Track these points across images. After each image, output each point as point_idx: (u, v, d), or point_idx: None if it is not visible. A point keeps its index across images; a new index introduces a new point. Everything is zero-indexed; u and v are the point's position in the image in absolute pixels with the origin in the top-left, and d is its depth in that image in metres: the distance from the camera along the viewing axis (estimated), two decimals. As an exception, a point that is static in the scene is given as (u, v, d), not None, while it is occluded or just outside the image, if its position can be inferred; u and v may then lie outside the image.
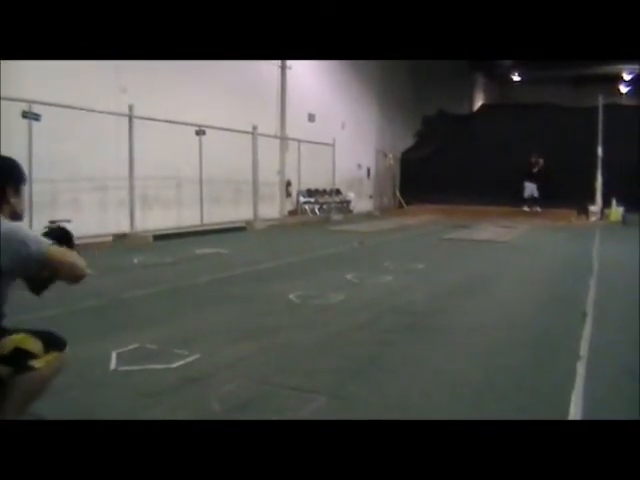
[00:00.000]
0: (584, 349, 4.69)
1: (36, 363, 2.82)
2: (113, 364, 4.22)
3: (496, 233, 15.05)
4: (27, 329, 2.94)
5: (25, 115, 10.22)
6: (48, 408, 3.22)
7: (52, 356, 2.88)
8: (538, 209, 21.56)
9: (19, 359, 2.78)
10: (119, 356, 4.37)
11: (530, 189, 21.76)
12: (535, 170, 21.63)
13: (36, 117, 10.31)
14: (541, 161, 21.52)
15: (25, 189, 2.93)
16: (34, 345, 2.86)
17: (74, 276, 2.75)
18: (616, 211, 19.88)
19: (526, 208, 21.71)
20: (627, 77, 33.65)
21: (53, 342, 2.96)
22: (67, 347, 2.99)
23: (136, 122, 12.01)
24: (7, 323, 2.93)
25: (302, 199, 20.13)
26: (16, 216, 2.82)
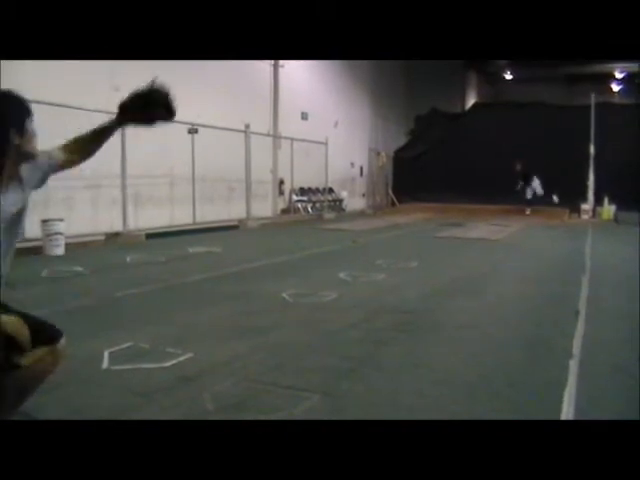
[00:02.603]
0: (577, 347, 4.70)
1: (23, 360, 2.65)
2: (105, 363, 4.20)
3: (489, 231, 15.08)
4: (20, 311, 2.78)
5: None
6: (39, 407, 3.21)
7: (41, 351, 2.72)
8: (528, 211, 21.42)
9: (6, 354, 2.61)
10: (111, 355, 4.35)
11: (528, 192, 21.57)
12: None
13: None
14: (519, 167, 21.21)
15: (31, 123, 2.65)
16: (24, 335, 2.67)
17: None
18: (608, 209, 19.96)
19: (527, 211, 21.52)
20: (619, 75, 33.79)
21: (44, 334, 2.79)
22: (63, 339, 2.83)
23: (128, 120, 11.97)
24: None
25: (295, 197, 20.15)
26: (27, 158, 2.64)
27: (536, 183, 21.34)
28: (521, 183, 21.35)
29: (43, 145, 2.84)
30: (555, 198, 20.98)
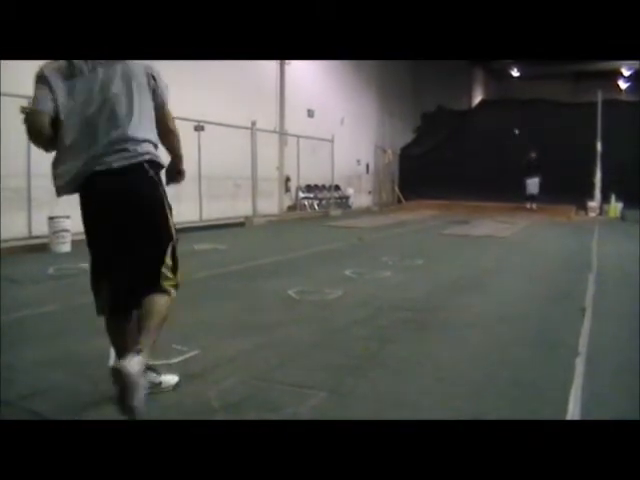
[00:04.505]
0: (583, 345, 4.69)
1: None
2: (112, 360, 4.20)
3: (495, 229, 15.05)
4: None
5: (23, 111, 10.19)
6: (46, 405, 3.22)
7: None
8: (534, 206, 21.42)
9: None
10: (118, 352, 4.35)
11: (532, 186, 21.54)
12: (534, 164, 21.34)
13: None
14: (534, 155, 21.28)
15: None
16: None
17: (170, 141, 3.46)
18: (615, 207, 19.91)
19: (529, 205, 21.57)
20: (626, 73, 33.69)
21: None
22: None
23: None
24: None
25: (301, 195, 20.14)
26: None
27: (535, 181, 21.27)
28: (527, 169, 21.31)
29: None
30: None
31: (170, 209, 3.41)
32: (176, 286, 3.33)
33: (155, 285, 3.21)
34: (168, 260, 3.27)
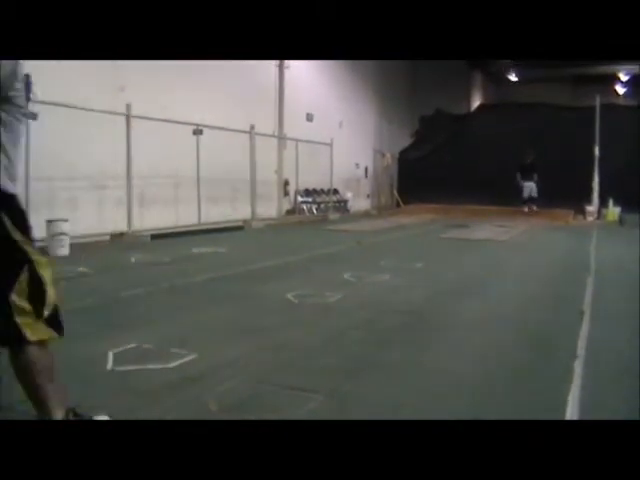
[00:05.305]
0: (581, 348, 4.69)
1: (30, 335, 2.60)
2: (110, 364, 4.20)
3: (494, 232, 15.05)
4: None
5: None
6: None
7: (48, 333, 2.71)
8: (534, 208, 21.44)
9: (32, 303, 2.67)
10: (116, 356, 4.35)
11: (527, 189, 21.60)
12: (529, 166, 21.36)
13: (33, 116, 10.29)
14: (529, 160, 21.33)
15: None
16: (52, 294, 2.82)
17: None
18: (613, 211, 19.90)
19: (526, 209, 21.61)
20: (624, 78, 33.73)
21: (57, 319, 2.79)
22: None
23: (134, 121, 12.00)
24: None
25: (300, 198, 20.14)
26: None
27: (530, 185, 21.31)
28: (519, 174, 21.35)
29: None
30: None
31: (21, 229, 2.72)
32: (41, 325, 2.71)
33: (6, 322, 2.63)
34: (22, 285, 2.67)
